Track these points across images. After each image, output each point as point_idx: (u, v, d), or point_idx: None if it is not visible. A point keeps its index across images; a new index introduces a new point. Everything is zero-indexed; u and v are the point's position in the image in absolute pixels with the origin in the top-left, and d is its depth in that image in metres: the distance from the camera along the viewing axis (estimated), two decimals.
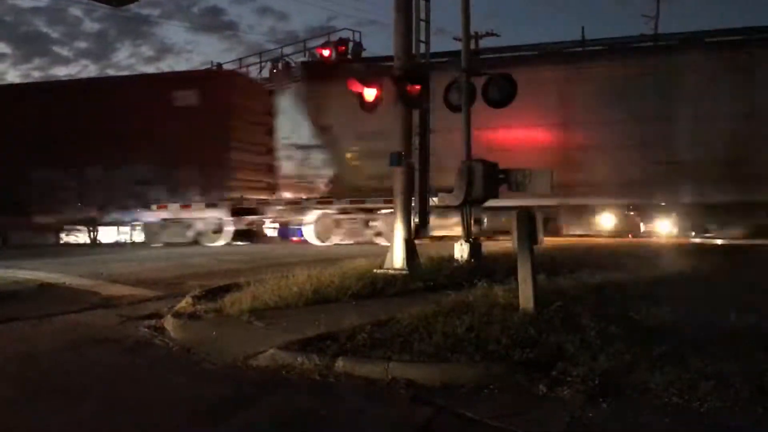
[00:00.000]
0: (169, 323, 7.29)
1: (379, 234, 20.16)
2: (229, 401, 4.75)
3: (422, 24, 10.54)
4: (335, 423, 4.28)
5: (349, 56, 24.37)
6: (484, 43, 34.57)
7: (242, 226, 22.50)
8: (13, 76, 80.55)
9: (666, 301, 6.53)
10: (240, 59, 29.05)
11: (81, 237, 24.70)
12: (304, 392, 4.88)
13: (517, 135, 19.51)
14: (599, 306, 6.57)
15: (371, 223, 20.44)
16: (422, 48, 10.55)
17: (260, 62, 27.93)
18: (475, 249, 10.85)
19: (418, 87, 9.92)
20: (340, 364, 5.28)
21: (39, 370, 5.70)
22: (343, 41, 24.50)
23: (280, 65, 27.11)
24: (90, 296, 9.74)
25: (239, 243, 22.10)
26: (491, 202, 11.66)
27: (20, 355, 6.19)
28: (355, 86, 9.91)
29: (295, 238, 22.97)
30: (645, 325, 5.93)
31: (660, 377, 4.58)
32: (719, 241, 18.10)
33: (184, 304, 8.02)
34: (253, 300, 7.67)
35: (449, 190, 11.35)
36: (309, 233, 21.33)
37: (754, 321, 5.88)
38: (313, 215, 21.24)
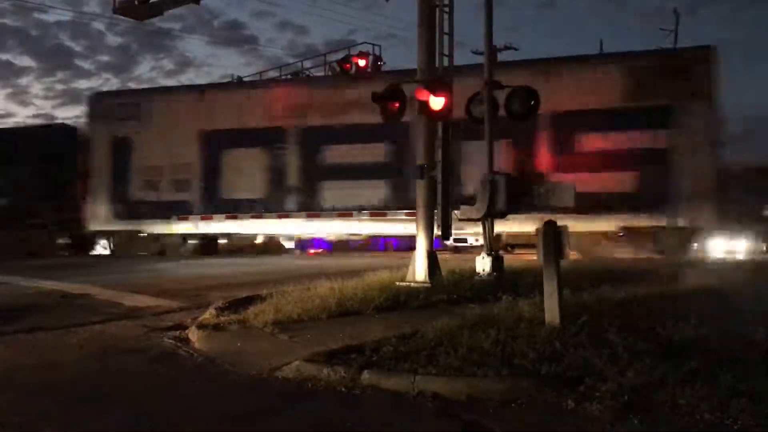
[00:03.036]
0: (193, 334, 7.33)
1: None
2: (255, 412, 4.77)
3: (446, 38, 10.56)
4: None
5: (369, 69, 24.58)
6: (502, 56, 34.79)
7: None
8: (37, 89, 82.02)
9: (692, 316, 6.44)
10: (260, 73, 29.40)
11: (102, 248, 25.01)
12: (330, 404, 4.88)
13: None
14: (625, 320, 6.49)
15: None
16: (446, 61, 10.56)
17: (281, 75, 28.24)
18: (497, 262, 10.77)
19: (441, 99, 9.90)
20: (365, 376, 5.28)
21: (67, 379, 5.76)
22: (363, 55, 24.69)
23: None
24: (114, 307, 9.81)
25: None
26: None
27: (48, 365, 6.25)
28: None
29: None
30: (672, 339, 5.85)
31: (690, 393, 4.51)
32: None
33: (208, 315, 8.08)
34: (277, 312, 7.68)
35: None
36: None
37: None
38: None
